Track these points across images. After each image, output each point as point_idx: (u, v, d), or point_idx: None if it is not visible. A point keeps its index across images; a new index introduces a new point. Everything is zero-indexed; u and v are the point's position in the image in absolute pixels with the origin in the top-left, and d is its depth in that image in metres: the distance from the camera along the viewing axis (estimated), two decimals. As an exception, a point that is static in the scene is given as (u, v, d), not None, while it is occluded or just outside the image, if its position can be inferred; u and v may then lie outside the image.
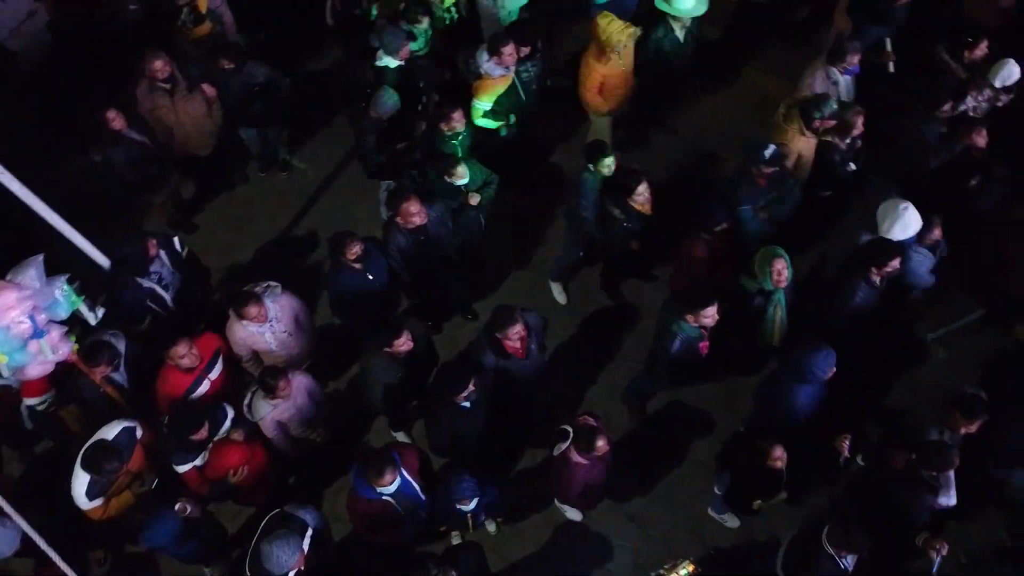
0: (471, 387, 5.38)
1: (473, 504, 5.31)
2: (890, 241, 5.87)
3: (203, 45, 7.43)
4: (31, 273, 5.66)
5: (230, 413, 5.61)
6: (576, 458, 5.27)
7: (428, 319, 7.04)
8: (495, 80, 6.77)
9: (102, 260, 6.37)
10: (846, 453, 5.51)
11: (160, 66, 6.80)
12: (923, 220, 5.96)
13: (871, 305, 5.90)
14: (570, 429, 5.34)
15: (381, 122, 6.73)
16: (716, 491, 6.18)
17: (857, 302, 5.85)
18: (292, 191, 8.12)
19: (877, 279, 5.83)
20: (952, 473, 5.26)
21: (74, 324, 6.06)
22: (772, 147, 6.11)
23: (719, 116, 8.26)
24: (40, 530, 4.27)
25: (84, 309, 6.06)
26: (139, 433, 5.53)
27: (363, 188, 7.71)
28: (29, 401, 5.79)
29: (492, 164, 6.74)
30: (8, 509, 3.40)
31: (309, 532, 5.13)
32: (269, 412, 5.68)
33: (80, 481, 5.34)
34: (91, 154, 6.90)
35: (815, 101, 6.36)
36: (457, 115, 6.49)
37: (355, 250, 5.87)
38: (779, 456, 5.32)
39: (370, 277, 6.08)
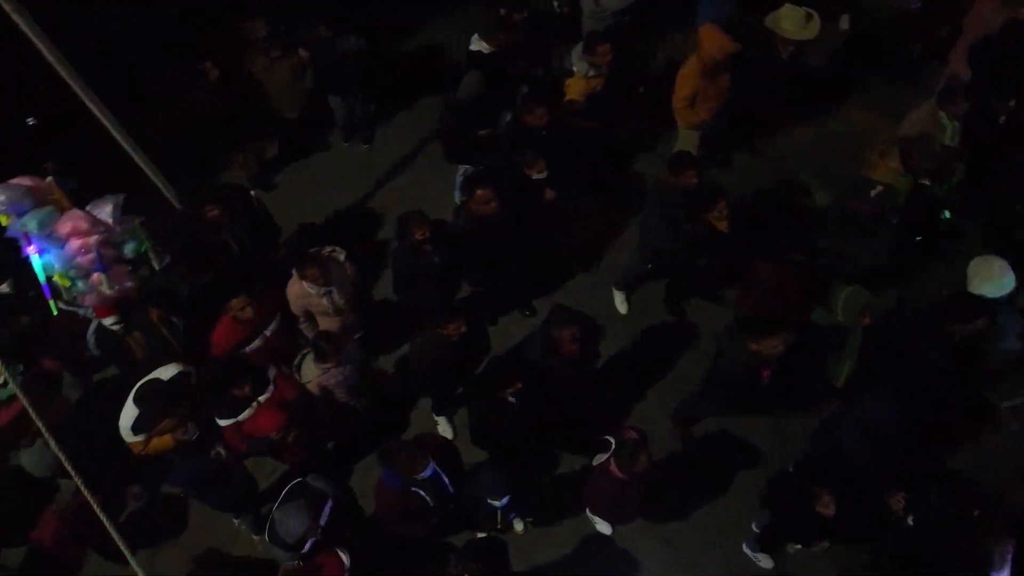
0: (519, 383, 5.31)
1: (504, 501, 5.25)
2: (979, 298, 5.57)
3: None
4: (108, 209, 5.82)
5: (272, 376, 5.64)
6: (615, 471, 5.14)
7: (486, 309, 6.99)
8: (587, 80, 6.67)
9: (179, 206, 6.52)
10: (899, 511, 5.25)
11: (258, 26, 6.93)
12: (1018, 280, 5.64)
13: (946, 361, 5.60)
14: (613, 441, 5.22)
15: (463, 105, 6.69)
16: (754, 528, 5.98)
17: (929, 355, 5.56)
18: (371, 164, 8.18)
19: (957, 336, 5.53)
20: (1011, 551, 4.97)
21: (141, 265, 6.21)
22: (879, 188, 5.88)
23: (809, 145, 8.00)
24: (81, 458, 4.38)
25: (152, 252, 6.21)
26: (193, 380, 5.63)
27: (441, 170, 7.71)
28: (105, 321, 5.97)
29: (573, 164, 6.63)
30: (45, 432, 3.53)
31: (328, 504, 5.13)
32: (317, 376, 5.72)
33: (128, 413, 5.49)
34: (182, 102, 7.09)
35: (916, 142, 6.09)
36: (540, 111, 6.41)
37: (424, 231, 5.86)
38: (828, 503, 5.10)
39: (435, 260, 6.06)
